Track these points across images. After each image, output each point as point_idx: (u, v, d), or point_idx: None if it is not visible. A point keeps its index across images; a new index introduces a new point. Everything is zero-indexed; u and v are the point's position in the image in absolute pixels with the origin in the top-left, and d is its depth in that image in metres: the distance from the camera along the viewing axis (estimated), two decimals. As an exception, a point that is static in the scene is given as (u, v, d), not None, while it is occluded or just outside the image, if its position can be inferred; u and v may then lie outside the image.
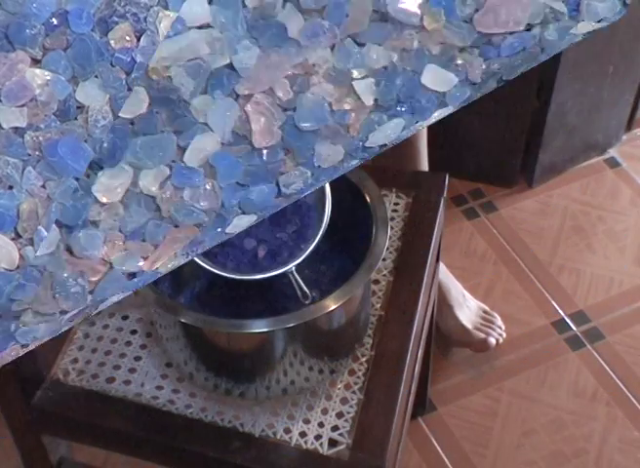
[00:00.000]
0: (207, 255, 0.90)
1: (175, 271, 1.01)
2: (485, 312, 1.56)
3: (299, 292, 0.89)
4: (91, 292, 0.58)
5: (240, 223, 0.61)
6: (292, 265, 0.89)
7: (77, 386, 0.99)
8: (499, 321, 1.56)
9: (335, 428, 0.94)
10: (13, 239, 0.55)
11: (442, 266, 1.49)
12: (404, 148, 1.42)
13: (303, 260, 0.92)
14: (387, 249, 1.06)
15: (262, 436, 0.94)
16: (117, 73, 0.55)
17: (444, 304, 1.51)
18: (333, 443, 0.93)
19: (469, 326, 1.52)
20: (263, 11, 0.57)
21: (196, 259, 0.88)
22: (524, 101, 1.71)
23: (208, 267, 0.89)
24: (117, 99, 0.56)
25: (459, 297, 1.54)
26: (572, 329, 1.61)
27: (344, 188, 0.99)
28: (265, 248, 0.91)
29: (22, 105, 0.54)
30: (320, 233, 0.91)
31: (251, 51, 0.57)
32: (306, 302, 0.89)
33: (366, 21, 0.59)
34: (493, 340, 1.52)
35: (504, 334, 1.55)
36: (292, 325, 0.88)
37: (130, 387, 0.98)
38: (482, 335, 1.52)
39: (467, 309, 1.54)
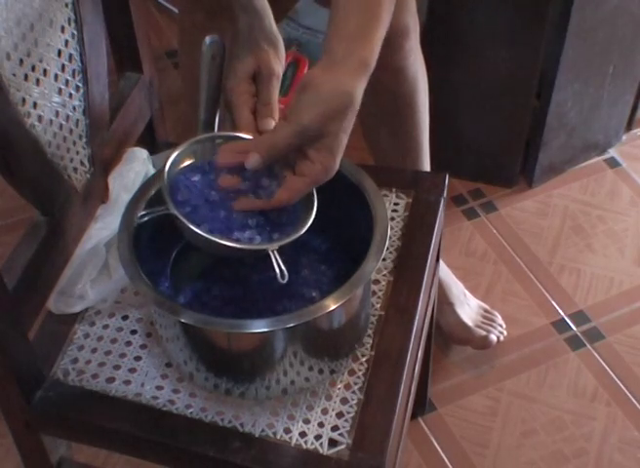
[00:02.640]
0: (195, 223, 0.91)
1: (175, 271, 1.02)
2: (486, 311, 1.57)
3: (277, 272, 0.89)
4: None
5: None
6: (275, 244, 0.89)
7: (77, 386, 0.99)
8: (499, 319, 1.56)
9: (335, 428, 0.94)
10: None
11: (443, 265, 1.49)
12: (406, 143, 1.43)
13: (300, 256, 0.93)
14: (387, 249, 1.06)
15: (262, 436, 0.94)
16: None
17: (445, 302, 1.51)
18: (333, 443, 0.93)
19: (470, 323, 1.52)
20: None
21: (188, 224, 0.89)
22: (524, 101, 1.71)
23: (194, 228, 0.89)
24: None
25: (459, 296, 1.54)
26: (572, 329, 1.61)
27: (344, 188, 0.99)
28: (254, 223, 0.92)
29: None
30: (308, 223, 0.91)
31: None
32: (283, 282, 0.89)
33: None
34: (494, 337, 1.52)
35: (505, 333, 1.56)
36: (292, 325, 0.89)
37: (130, 387, 0.98)
38: (483, 333, 1.52)
39: (468, 307, 1.54)
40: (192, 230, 0.89)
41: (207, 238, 0.89)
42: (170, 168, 0.92)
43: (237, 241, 0.90)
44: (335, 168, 0.89)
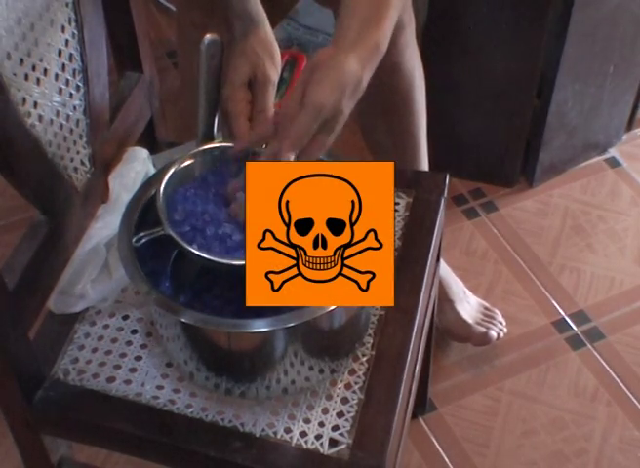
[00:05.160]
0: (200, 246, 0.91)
1: (175, 271, 1.01)
2: (486, 308, 1.56)
3: None
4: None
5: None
6: None
7: (77, 386, 0.99)
8: (499, 316, 1.56)
9: (335, 428, 0.94)
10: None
11: (442, 263, 1.49)
12: (403, 139, 1.42)
13: None
14: (388, 248, 1.05)
15: (263, 436, 0.94)
16: None
17: (445, 300, 1.51)
18: (333, 442, 0.93)
19: (470, 320, 1.52)
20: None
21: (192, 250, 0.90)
22: (524, 101, 1.71)
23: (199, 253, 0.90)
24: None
25: (459, 293, 1.54)
26: (572, 328, 1.61)
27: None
28: None
29: None
30: None
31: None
32: None
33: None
34: (494, 334, 1.52)
35: (505, 330, 1.55)
36: (292, 324, 0.89)
37: (130, 387, 0.98)
38: (483, 329, 1.52)
39: (468, 305, 1.54)
40: (192, 252, 0.90)
41: (207, 258, 0.90)
42: (166, 185, 0.93)
43: (239, 258, 0.91)
44: (328, 146, 0.90)
